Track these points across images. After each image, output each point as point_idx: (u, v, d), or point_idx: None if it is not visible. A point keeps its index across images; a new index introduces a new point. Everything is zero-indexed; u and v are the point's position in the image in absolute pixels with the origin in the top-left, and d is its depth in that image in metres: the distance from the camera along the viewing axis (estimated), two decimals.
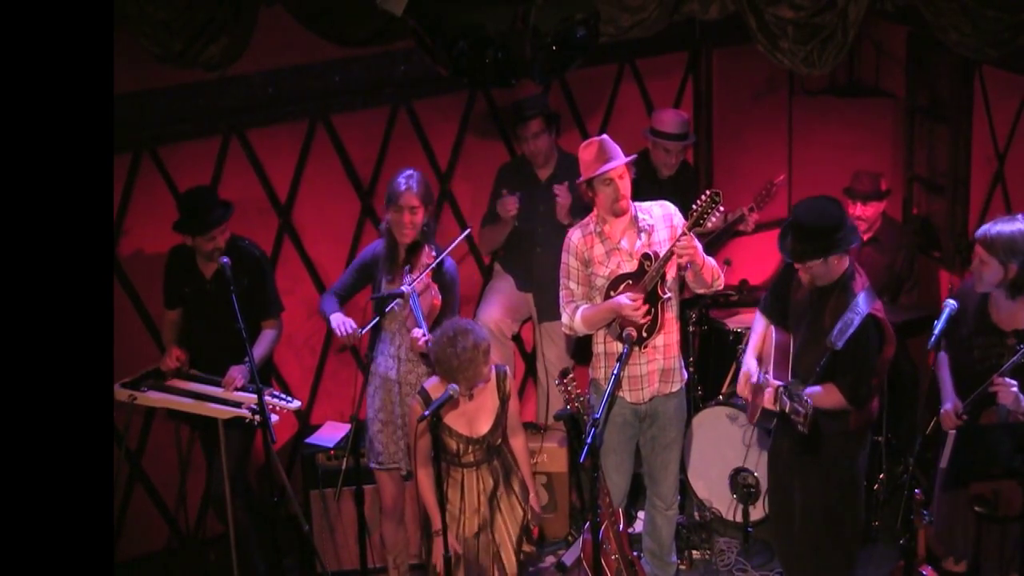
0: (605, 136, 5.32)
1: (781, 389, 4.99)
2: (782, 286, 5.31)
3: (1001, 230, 4.83)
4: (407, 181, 5.47)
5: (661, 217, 5.35)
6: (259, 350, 5.56)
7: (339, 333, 5.44)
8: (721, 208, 5.12)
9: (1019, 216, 4.92)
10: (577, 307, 5.36)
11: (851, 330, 4.92)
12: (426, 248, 5.49)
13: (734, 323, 6.64)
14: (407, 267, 5.47)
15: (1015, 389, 4.74)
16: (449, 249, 5.58)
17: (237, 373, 5.48)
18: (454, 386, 4.81)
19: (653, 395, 5.42)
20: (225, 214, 5.48)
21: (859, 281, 5.06)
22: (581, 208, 5.89)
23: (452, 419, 5.02)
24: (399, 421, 5.58)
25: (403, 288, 5.34)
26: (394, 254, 5.56)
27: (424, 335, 5.22)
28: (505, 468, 5.21)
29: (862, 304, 4.97)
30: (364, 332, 5.44)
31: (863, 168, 6.44)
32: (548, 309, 6.34)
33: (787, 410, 4.93)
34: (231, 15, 4.53)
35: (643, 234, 5.30)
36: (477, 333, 4.88)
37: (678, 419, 5.56)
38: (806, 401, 4.85)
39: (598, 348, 5.45)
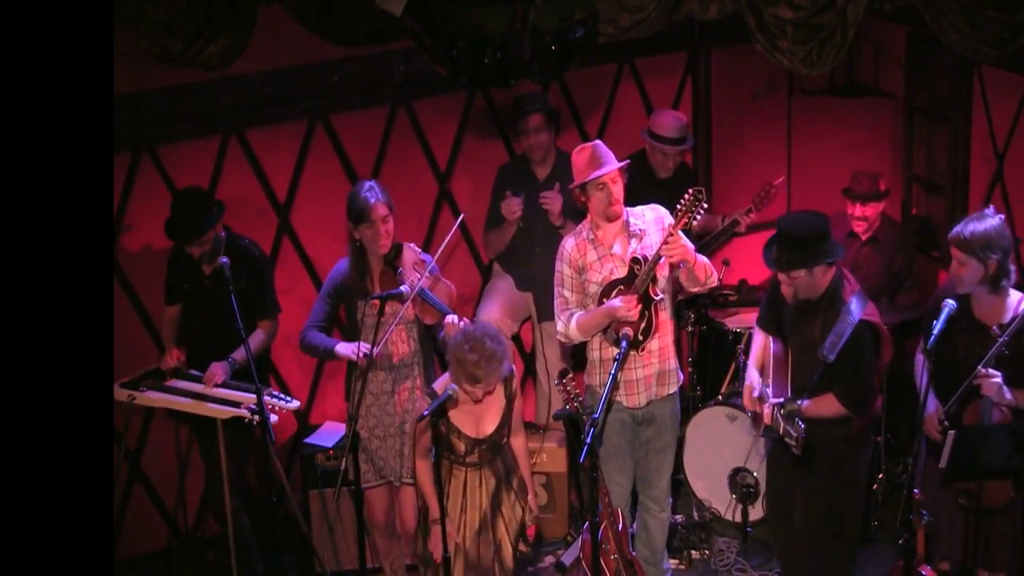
0: (598, 141, 5.32)
1: (777, 409, 4.99)
2: (776, 295, 5.28)
3: (975, 229, 4.82)
4: (371, 194, 5.39)
5: (653, 221, 5.34)
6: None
7: (358, 358, 5.37)
8: (705, 205, 5.10)
9: (987, 211, 4.92)
10: (572, 314, 5.35)
11: (843, 341, 4.89)
12: (407, 245, 5.48)
13: (733, 323, 6.63)
14: (399, 270, 5.45)
15: (998, 380, 4.74)
16: (447, 239, 5.58)
17: (218, 369, 5.48)
18: (453, 386, 4.83)
19: (650, 399, 5.42)
20: (212, 221, 5.45)
21: (848, 288, 5.02)
22: (574, 211, 5.89)
23: (459, 420, 5.03)
24: (391, 430, 5.58)
25: (402, 288, 5.35)
26: (365, 273, 5.50)
27: (460, 319, 5.25)
28: (507, 467, 5.21)
29: (854, 311, 4.93)
30: (379, 349, 5.35)
31: (862, 168, 6.43)
32: (548, 309, 6.31)
33: (780, 432, 4.96)
34: (230, 15, 4.52)
35: (635, 239, 5.30)
36: (492, 348, 4.81)
37: (673, 422, 5.56)
38: (799, 424, 4.86)
39: (593, 355, 5.45)
